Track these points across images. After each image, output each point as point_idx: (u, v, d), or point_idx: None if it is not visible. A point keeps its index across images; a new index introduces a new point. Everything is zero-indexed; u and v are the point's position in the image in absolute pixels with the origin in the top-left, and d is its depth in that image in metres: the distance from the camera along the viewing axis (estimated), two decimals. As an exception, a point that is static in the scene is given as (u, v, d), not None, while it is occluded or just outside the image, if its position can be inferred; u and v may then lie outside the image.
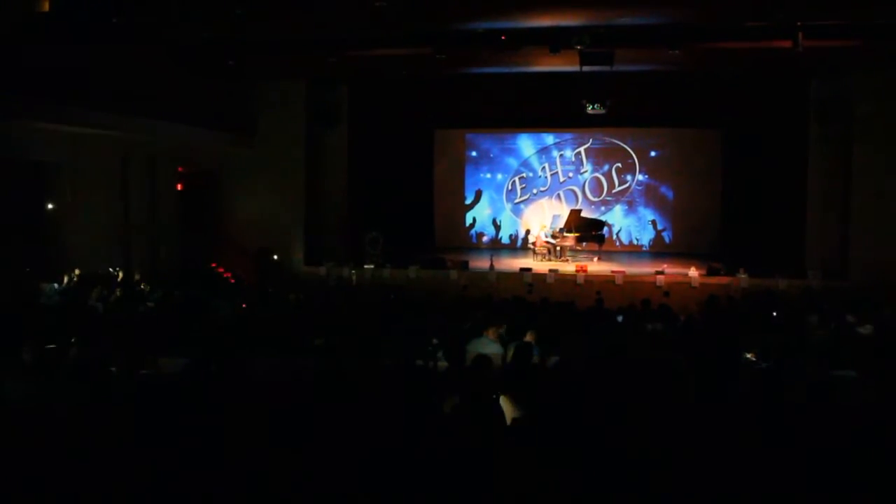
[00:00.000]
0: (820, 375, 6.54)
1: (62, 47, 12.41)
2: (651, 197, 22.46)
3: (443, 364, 7.01)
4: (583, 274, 17.14)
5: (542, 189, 22.77)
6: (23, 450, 4.06)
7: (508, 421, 4.77)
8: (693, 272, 16.93)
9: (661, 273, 16.89)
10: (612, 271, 17.26)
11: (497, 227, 23.05)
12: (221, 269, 18.57)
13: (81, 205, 15.04)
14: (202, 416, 4.60)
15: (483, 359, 5.83)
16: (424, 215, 22.61)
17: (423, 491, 3.71)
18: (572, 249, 19.77)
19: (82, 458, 3.94)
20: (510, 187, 22.95)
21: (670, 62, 15.52)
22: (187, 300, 11.66)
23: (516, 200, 22.94)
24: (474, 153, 23.12)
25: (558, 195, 22.70)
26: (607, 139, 22.40)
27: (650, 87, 18.92)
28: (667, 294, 14.55)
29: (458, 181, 23.11)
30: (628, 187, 22.50)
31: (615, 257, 20.45)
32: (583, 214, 20.60)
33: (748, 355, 7.64)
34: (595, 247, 19.86)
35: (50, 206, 14.82)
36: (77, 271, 13.26)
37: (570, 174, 22.68)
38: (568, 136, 22.57)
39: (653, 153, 22.37)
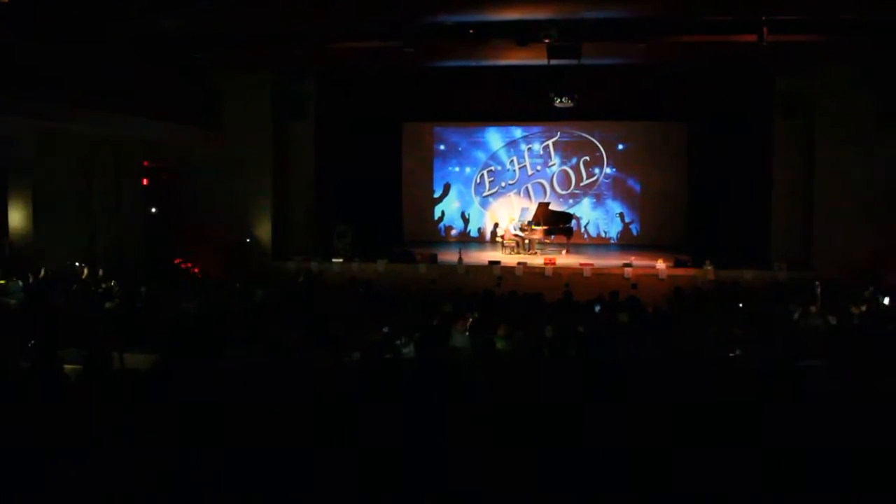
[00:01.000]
0: (787, 365, 6.61)
1: (23, 41, 12.19)
2: (619, 190, 22.57)
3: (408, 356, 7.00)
4: (551, 267, 17.20)
5: (510, 182, 22.80)
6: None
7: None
8: (660, 264, 17.05)
9: (629, 265, 17.00)
10: (581, 264, 17.35)
11: (466, 221, 23.05)
12: (188, 265, 18.39)
13: (46, 202, 14.83)
14: (171, 412, 4.55)
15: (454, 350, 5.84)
16: (393, 209, 22.54)
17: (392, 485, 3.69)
18: (541, 242, 19.81)
19: (47, 458, 3.87)
20: (479, 181, 22.95)
21: (637, 56, 15.59)
22: (152, 296, 11.55)
23: (485, 194, 22.95)
24: (443, 146, 23.09)
25: (526, 188, 22.74)
26: (575, 132, 22.46)
27: (617, 80, 19.02)
28: (635, 286, 14.62)
29: (426, 174, 23.07)
30: (596, 180, 22.59)
31: (583, 250, 20.55)
32: (551, 207, 20.63)
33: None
34: (563, 239, 19.92)
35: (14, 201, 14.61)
36: (42, 269, 13.08)
37: (539, 167, 22.72)
38: (536, 129, 22.60)
39: (620, 146, 22.47)
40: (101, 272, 14.21)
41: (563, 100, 16.34)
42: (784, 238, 18.10)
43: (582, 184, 22.61)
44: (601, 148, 22.44)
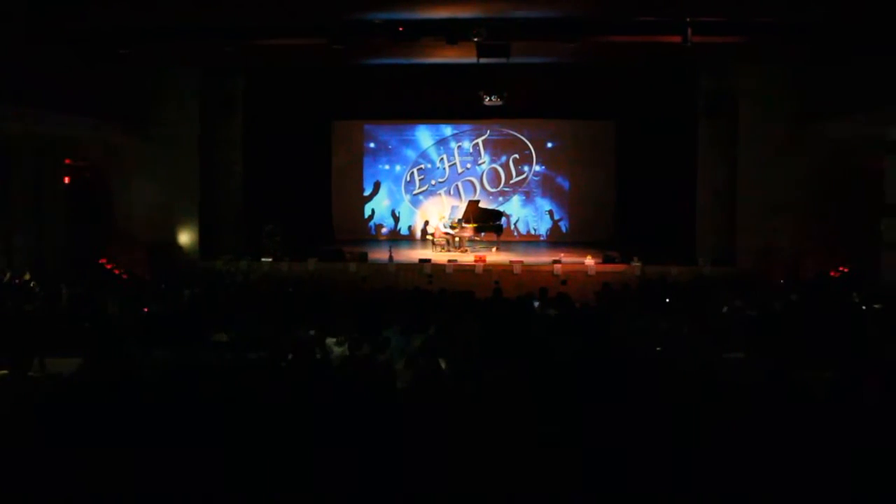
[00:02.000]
0: (711, 357, 6.77)
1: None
2: (548, 187, 22.79)
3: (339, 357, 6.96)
4: (481, 264, 17.28)
5: (440, 180, 22.84)
6: None
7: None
8: (589, 260, 17.29)
9: (559, 262, 17.18)
10: (511, 261, 17.47)
11: (396, 219, 23.02)
12: (112, 265, 17.95)
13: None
14: (99, 416, 4.45)
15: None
16: (323, 207, 22.38)
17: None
18: (471, 240, 19.91)
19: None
20: (409, 178, 22.94)
21: (566, 55, 15.77)
22: (74, 298, 11.25)
23: (415, 192, 22.95)
24: (372, 144, 23.01)
25: (456, 186, 22.82)
26: (504, 130, 22.61)
27: (546, 79, 19.21)
28: (564, 282, 14.78)
29: (356, 172, 22.96)
30: (525, 178, 22.78)
31: (513, 247, 20.69)
32: (481, 205, 20.76)
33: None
34: (493, 237, 20.06)
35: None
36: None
37: (468, 165, 22.82)
38: (466, 127, 22.69)
39: (549, 144, 22.70)
40: (27, 275, 13.80)
41: (493, 98, 16.44)
42: (708, 234, 18.53)
43: (511, 181, 22.78)
44: (530, 146, 22.64)
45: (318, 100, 20.50)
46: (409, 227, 22.96)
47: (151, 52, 16.30)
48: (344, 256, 17.97)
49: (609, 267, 17.23)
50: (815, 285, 14.64)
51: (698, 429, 4.25)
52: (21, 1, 12.74)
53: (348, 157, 22.86)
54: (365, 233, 22.77)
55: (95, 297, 11.38)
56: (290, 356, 6.59)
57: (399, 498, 3.73)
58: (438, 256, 18.53)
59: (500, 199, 22.72)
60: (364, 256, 18.00)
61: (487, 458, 3.86)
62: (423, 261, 17.59)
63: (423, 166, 22.89)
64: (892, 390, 5.31)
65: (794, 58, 16.50)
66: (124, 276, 17.02)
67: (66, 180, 17.70)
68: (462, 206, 20.81)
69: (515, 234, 22.57)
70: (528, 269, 17.03)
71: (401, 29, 13.94)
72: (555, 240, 22.37)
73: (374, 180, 23.00)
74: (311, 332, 8.12)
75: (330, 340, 7.64)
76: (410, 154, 22.95)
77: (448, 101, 20.29)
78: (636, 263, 17.10)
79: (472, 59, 15.05)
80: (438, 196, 22.79)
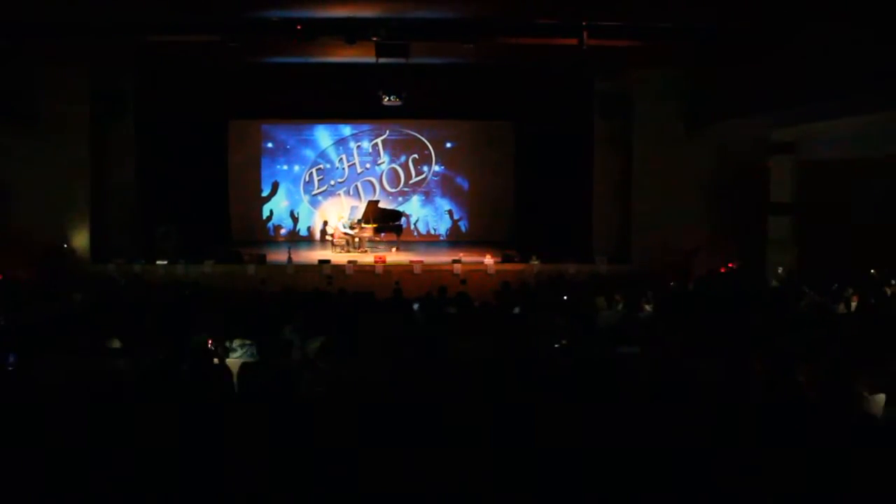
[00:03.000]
0: (607, 353, 6.93)
1: None
2: (447, 187, 22.92)
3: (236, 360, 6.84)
4: (381, 264, 17.26)
5: (339, 180, 22.69)
6: None
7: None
8: (488, 260, 17.48)
9: (458, 261, 17.30)
10: (411, 261, 17.49)
11: (295, 220, 22.75)
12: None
13: None
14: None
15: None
16: (220, 208, 21.84)
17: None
18: (371, 240, 19.87)
19: None
20: (307, 179, 22.71)
21: (465, 55, 15.85)
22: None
23: (314, 192, 22.73)
24: (270, 144, 22.69)
25: (356, 186, 22.71)
26: (404, 130, 22.63)
27: (446, 79, 19.26)
28: (464, 282, 14.89)
29: (254, 173, 22.58)
30: (425, 178, 22.85)
31: (413, 247, 20.73)
32: (380, 205, 20.73)
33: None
34: (393, 237, 20.06)
35: None
36: None
37: (368, 165, 22.74)
38: (365, 127, 22.60)
39: (448, 144, 22.83)
40: None
41: (392, 98, 16.41)
42: (605, 233, 18.97)
43: (411, 181, 22.82)
44: (430, 146, 22.72)
45: (214, 98, 20.00)
46: (309, 228, 22.73)
47: (38, 46, 15.65)
48: (242, 258, 17.66)
49: (508, 266, 17.45)
50: (706, 281, 15.17)
51: (601, 423, 4.34)
52: None
53: (246, 157, 22.45)
54: (263, 234, 22.44)
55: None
56: (187, 362, 6.43)
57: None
58: (338, 257, 18.42)
59: (400, 199, 22.73)
60: (262, 258, 17.74)
61: (395, 460, 3.86)
62: (322, 262, 17.44)
63: (322, 166, 22.69)
64: (778, 378, 5.54)
65: (687, 61, 17.03)
66: (10, 281, 16.30)
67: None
68: (362, 207, 20.73)
69: (415, 234, 22.62)
70: (428, 269, 17.08)
71: (298, 27, 13.77)
72: (454, 239, 22.51)
73: (273, 181, 22.68)
74: (209, 337, 7.95)
75: (229, 344, 7.50)
76: (309, 154, 22.73)
77: (347, 100, 20.09)
78: (535, 262, 17.39)
79: (372, 59, 15.01)
80: (338, 196, 22.63)
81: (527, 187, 21.51)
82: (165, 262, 17.43)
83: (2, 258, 17.34)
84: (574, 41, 13.73)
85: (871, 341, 7.09)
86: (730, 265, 17.15)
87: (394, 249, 19.68)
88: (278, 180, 22.69)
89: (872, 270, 12.99)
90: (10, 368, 6.04)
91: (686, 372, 5.92)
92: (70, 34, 14.67)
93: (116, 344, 7.47)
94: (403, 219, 21.02)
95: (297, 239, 22.03)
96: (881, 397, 5.34)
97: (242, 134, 22.41)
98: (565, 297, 12.58)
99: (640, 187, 18.26)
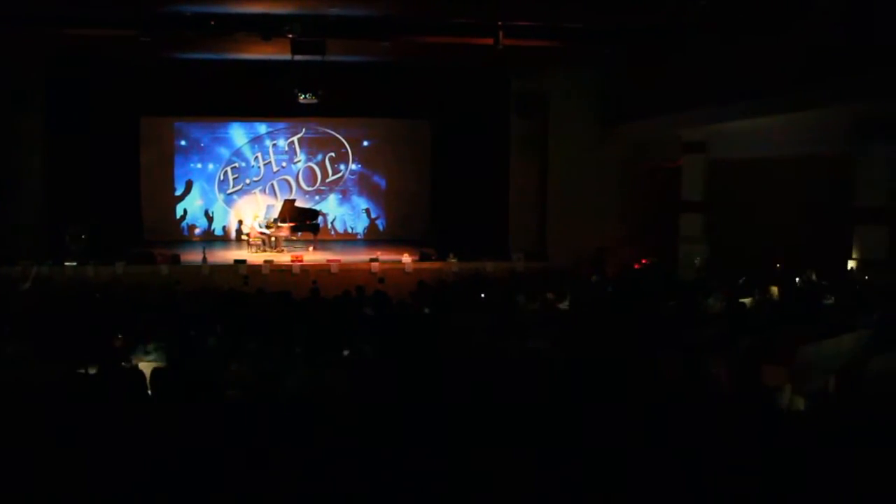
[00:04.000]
0: (522, 347, 7.02)
1: None
2: (364, 186, 22.86)
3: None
4: (298, 264, 17.12)
5: (255, 179, 22.40)
6: None
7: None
8: (406, 258, 17.50)
9: (376, 260, 17.28)
10: (328, 260, 17.40)
11: (210, 219, 22.36)
12: None
13: None
14: None
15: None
16: (132, 208, 21.21)
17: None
18: (287, 240, 19.67)
19: None
20: (222, 177, 22.34)
21: (381, 54, 15.86)
22: None
23: (229, 191, 22.38)
24: (184, 142, 22.24)
25: (272, 185, 22.45)
26: (321, 129, 22.47)
27: (362, 77, 19.17)
28: (381, 280, 14.87)
29: (167, 171, 22.08)
30: (342, 176, 22.74)
31: (330, 246, 20.61)
32: (297, 204, 20.55)
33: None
34: (310, 236, 19.92)
35: None
36: None
37: (284, 164, 22.51)
38: (281, 125, 22.35)
39: (365, 143, 22.76)
40: None
41: (308, 96, 16.29)
42: (521, 231, 19.21)
43: (328, 180, 22.68)
44: (347, 144, 22.62)
45: (125, 94, 19.32)
46: (224, 228, 22.36)
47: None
48: (155, 259, 17.28)
49: (426, 264, 17.50)
50: (620, 277, 15.49)
51: (518, 421, 4.38)
52: None
53: (158, 155, 21.92)
54: (177, 234, 21.97)
55: None
56: (94, 367, 6.26)
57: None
58: (254, 257, 18.20)
59: (317, 197, 22.57)
60: (176, 258, 17.39)
61: (310, 461, 3.84)
62: (238, 261, 17.21)
63: (237, 165, 22.36)
64: (687, 371, 5.70)
65: (602, 62, 17.34)
66: None
67: None
68: (278, 206, 20.51)
69: (332, 233, 22.49)
70: (346, 268, 17.02)
71: (212, 23, 13.56)
72: (372, 238, 22.47)
73: (186, 179, 22.24)
74: (120, 340, 7.76)
75: (143, 347, 7.33)
76: (224, 152, 22.36)
77: (263, 98, 19.75)
78: (452, 260, 17.49)
79: (287, 56, 14.87)
80: (253, 195, 22.33)
81: (444, 185, 21.59)
82: (75, 264, 16.87)
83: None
84: (490, 41, 13.85)
85: (777, 334, 7.33)
86: (643, 261, 17.57)
87: (311, 248, 19.54)
88: (192, 179, 22.26)
89: (778, 265, 13.44)
90: None
91: (600, 366, 6.03)
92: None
93: (20, 349, 7.22)
94: (320, 217, 20.88)
95: (212, 238, 21.67)
96: (787, 388, 5.54)
97: (155, 131, 21.85)
98: (483, 295, 12.68)
99: (555, 185, 18.55)
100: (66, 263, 16.86)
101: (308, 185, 22.59)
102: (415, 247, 18.95)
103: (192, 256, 17.91)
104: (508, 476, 3.69)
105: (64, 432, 4.16)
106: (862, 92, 10.59)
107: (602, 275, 15.62)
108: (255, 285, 13.93)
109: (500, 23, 13.65)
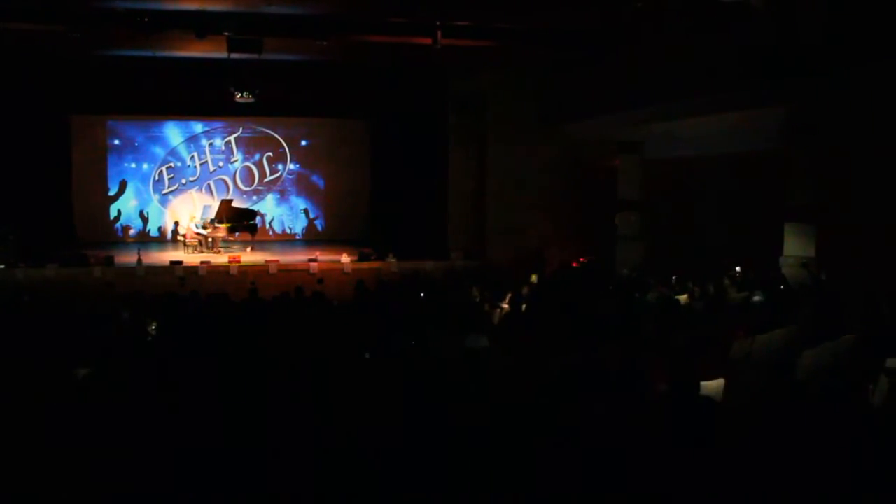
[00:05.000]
0: (457, 346, 7.04)
1: None
2: (303, 185, 22.71)
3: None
4: (236, 265, 16.95)
5: (191, 179, 22.08)
6: None
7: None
8: (345, 258, 17.44)
9: (315, 260, 17.20)
10: (266, 261, 17.27)
11: (144, 220, 21.97)
12: None
13: None
14: None
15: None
16: (63, 208, 20.73)
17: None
18: (224, 240, 19.47)
19: None
20: (157, 177, 21.97)
21: (319, 52, 15.74)
22: None
23: (164, 191, 22.02)
24: (117, 141, 21.80)
25: (209, 185, 22.16)
26: (258, 128, 22.25)
27: (300, 76, 19.02)
28: (321, 281, 14.78)
29: (99, 171, 21.61)
30: (280, 176, 22.56)
31: (269, 247, 20.44)
32: (234, 204, 20.30)
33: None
34: (248, 237, 19.71)
35: None
36: None
37: (221, 163, 22.23)
38: (218, 124, 22.08)
39: (304, 142, 22.62)
40: None
41: (244, 94, 16.09)
42: (460, 229, 19.26)
43: (266, 180, 22.48)
44: (285, 144, 22.46)
45: (55, 91, 18.89)
46: (159, 228, 22.00)
47: None
48: (87, 260, 16.90)
49: (365, 264, 17.48)
50: (558, 275, 15.66)
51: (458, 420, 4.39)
52: None
53: (91, 154, 21.44)
54: (111, 235, 21.55)
55: None
56: (23, 379, 6.09)
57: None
58: (191, 258, 17.94)
59: (255, 197, 22.36)
60: (110, 260, 17.04)
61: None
62: (174, 263, 16.96)
63: (172, 164, 22.01)
64: (624, 367, 5.76)
65: (540, 62, 17.48)
66: None
67: None
68: (215, 206, 20.25)
69: (270, 233, 22.30)
70: (285, 269, 16.91)
71: (146, 19, 13.30)
72: (311, 238, 22.36)
73: (120, 179, 21.81)
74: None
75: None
76: (159, 152, 21.99)
77: (198, 96, 19.48)
78: (392, 259, 17.49)
79: (223, 55, 14.68)
80: (189, 195, 22.01)
81: (383, 185, 21.60)
82: (3, 267, 16.42)
83: None
84: (428, 40, 13.86)
85: (711, 330, 7.49)
86: (581, 259, 17.78)
87: (248, 249, 19.34)
88: (126, 179, 21.84)
89: (712, 263, 13.70)
90: None
91: (538, 365, 6.08)
92: None
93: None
94: (258, 218, 20.70)
95: (147, 240, 21.31)
96: (720, 382, 5.63)
97: (86, 130, 21.40)
98: (423, 294, 12.71)
99: (494, 184, 18.64)
100: (-6, 266, 16.42)
101: (245, 185, 22.36)
102: (354, 247, 18.89)
103: (127, 258, 17.61)
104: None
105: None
106: (792, 93, 10.85)
107: (541, 273, 15.76)
108: (191, 287, 13.75)
109: (438, 23, 13.66)
